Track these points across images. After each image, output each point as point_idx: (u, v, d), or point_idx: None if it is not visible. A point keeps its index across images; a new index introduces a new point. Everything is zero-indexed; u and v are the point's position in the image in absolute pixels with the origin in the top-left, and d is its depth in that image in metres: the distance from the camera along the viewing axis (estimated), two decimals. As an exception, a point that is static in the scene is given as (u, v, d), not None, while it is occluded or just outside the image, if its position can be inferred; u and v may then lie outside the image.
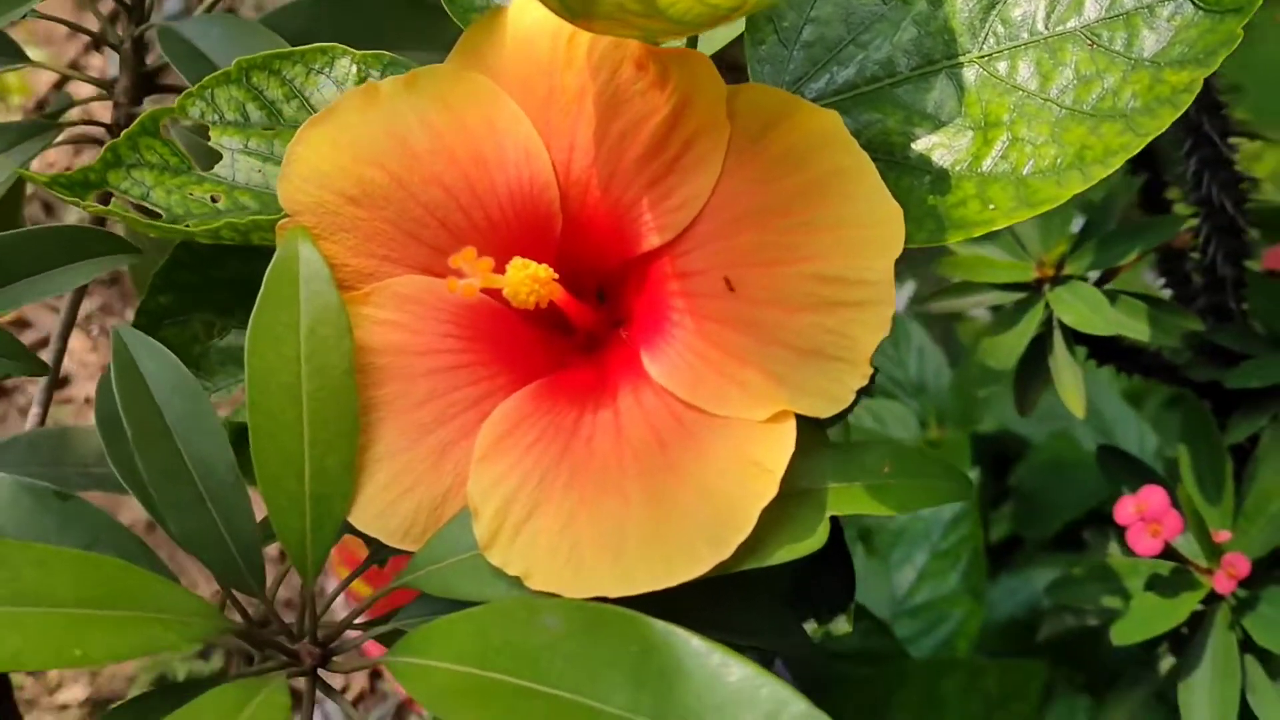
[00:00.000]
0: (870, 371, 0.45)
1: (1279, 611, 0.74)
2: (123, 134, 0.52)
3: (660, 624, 0.41)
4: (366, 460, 0.47)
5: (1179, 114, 0.44)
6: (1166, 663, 0.79)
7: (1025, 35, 0.48)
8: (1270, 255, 0.82)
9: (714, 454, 0.45)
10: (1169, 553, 0.76)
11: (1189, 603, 0.75)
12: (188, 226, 0.50)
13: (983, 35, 0.49)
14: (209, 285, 0.61)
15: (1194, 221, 0.79)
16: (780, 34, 0.51)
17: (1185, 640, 0.76)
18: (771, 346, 0.45)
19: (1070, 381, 0.77)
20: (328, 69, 0.54)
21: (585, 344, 0.51)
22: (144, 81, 0.69)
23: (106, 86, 0.69)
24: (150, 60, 0.70)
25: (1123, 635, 0.74)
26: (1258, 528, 0.75)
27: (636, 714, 0.40)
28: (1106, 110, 0.46)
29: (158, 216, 0.52)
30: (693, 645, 0.41)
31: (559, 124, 0.48)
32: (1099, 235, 0.77)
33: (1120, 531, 0.82)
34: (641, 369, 0.48)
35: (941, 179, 0.47)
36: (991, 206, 0.46)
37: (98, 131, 0.68)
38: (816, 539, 0.45)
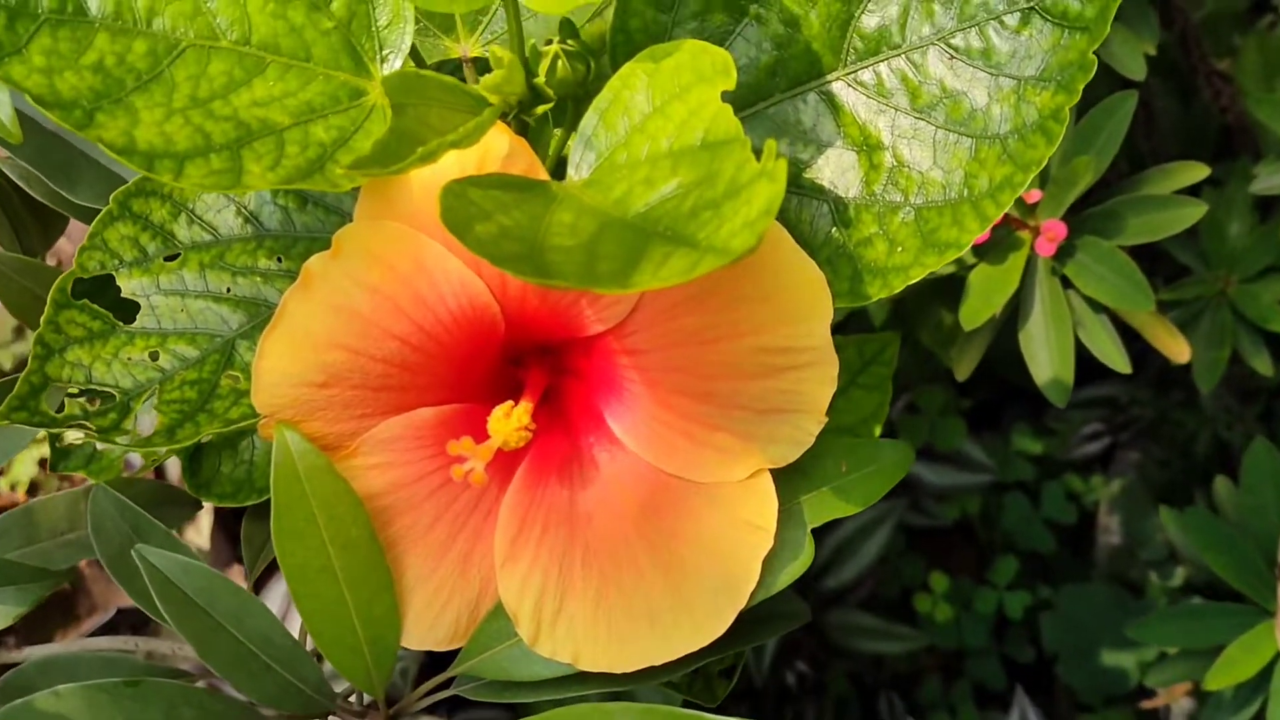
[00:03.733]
0: (826, 418, 0.51)
1: (1093, 262, 0.84)
2: (41, 320, 0.53)
3: (719, 718, 0.49)
4: (402, 590, 0.53)
5: (1054, 147, 0.49)
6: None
7: (885, 48, 0.51)
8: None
9: (708, 518, 0.52)
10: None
11: (1017, 265, 0.85)
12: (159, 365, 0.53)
13: (844, 50, 0.51)
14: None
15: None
16: (644, 64, 0.53)
17: (1017, 295, 0.86)
18: (733, 410, 0.51)
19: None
20: (200, 175, 0.54)
21: (541, 399, 0.55)
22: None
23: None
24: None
25: (971, 318, 0.84)
26: (1068, 196, 0.83)
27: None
28: (979, 130, 0.50)
29: (111, 399, 0.53)
30: (757, 728, 0.49)
31: (486, 255, 0.50)
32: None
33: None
34: (606, 428, 0.53)
35: (840, 207, 0.51)
36: (900, 250, 0.50)
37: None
38: (806, 556, 0.53)
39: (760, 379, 0.50)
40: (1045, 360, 0.85)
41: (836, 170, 0.52)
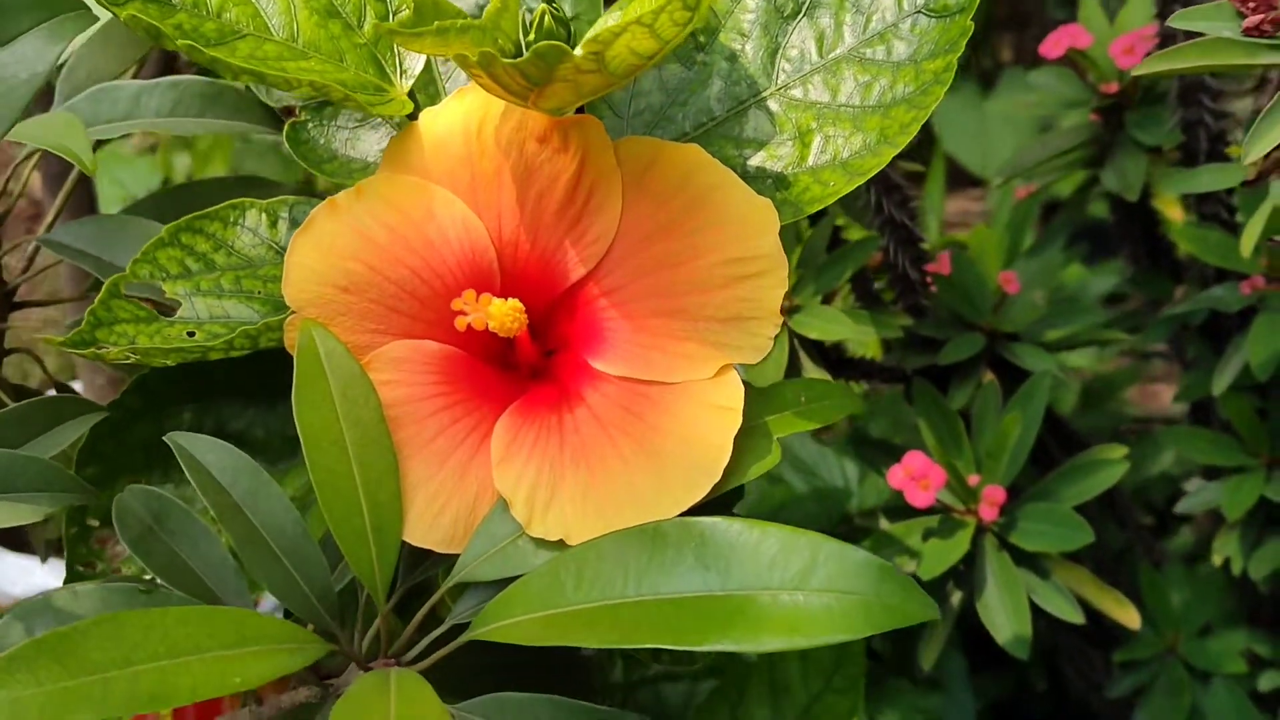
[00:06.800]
0: (781, 320, 0.58)
1: (1033, 524, 0.91)
2: (96, 300, 0.61)
3: (706, 519, 0.53)
4: (404, 490, 0.57)
5: (946, 88, 0.60)
6: (956, 597, 0.94)
7: (807, 67, 0.64)
8: (941, 260, 1.01)
9: (683, 409, 0.58)
10: (939, 506, 0.92)
11: (965, 536, 0.91)
12: (195, 340, 0.59)
13: (775, 73, 0.64)
14: (126, 450, 0.69)
15: (881, 240, 0.96)
16: (613, 108, 0.65)
17: (968, 572, 0.92)
18: (699, 322, 0.58)
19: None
20: (241, 220, 0.64)
21: (530, 375, 0.62)
22: (6, 300, 0.77)
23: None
24: (8, 279, 0.78)
25: (928, 571, 0.89)
26: (1001, 464, 0.92)
27: (711, 591, 0.52)
28: (889, 101, 0.62)
29: (151, 354, 0.60)
30: (735, 527, 0.53)
31: (486, 200, 0.60)
32: (814, 266, 0.94)
33: (882, 509, 0.98)
34: (595, 372, 0.60)
35: (781, 179, 0.62)
36: (831, 184, 0.60)
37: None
38: (774, 456, 0.58)
39: (722, 289, 0.58)
40: (1004, 623, 0.89)
41: (776, 156, 0.62)
